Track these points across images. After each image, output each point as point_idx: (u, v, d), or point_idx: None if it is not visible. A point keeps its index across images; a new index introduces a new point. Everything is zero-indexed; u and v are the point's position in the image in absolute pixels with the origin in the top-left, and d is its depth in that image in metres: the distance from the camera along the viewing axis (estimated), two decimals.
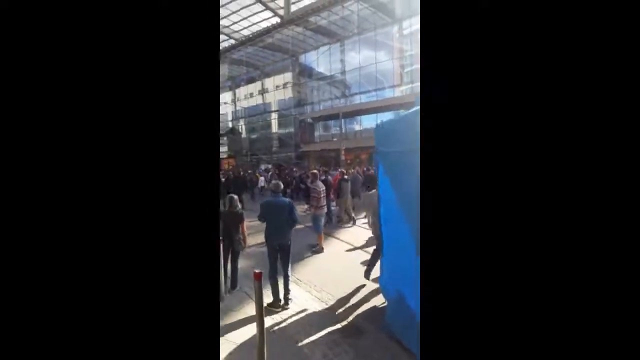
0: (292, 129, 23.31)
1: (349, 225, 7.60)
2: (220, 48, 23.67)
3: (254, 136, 26.73)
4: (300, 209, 8.16)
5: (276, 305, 3.42)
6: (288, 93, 23.71)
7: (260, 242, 4.40)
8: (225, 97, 28.39)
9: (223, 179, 11.27)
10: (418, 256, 1.82)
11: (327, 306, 3.51)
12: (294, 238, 3.60)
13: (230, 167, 22.04)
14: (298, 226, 3.79)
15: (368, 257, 4.30)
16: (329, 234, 6.50)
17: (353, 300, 3.64)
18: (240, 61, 24.52)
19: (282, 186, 3.82)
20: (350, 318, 3.23)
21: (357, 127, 20.13)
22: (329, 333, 2.94)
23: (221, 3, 20.93)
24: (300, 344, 2.77)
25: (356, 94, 19.62)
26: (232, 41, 23.49)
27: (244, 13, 21.07)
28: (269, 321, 3.09)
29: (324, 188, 6.10)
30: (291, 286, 3.60)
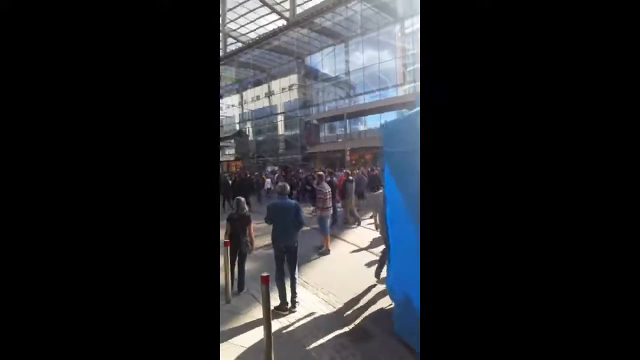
0: (297, 131, 23.37)
1: (355, 226, 7.58)
2: (228, 51, 23.92)
3: (260, 138, 26.85)
4: (306, 210, 8.15)
5: (283, 309, 3.41)
6: (294, 95, 23.80)
7: (267, 244, 4.41)
8: (233, 99, 28.65)
9: (231, 182, 11.35)
10: None
11: (334, 309, 3.49)
12: (300, 240, 3.59)
13: (238, 169, 22.19)
14: (304, 228, 3.77)
15: (374, 258, 4.28)
16: (334, 236, 6.48)
17: (360, 303, 3.61)
18: (247, 64, 24.64)
19: (288, 188, 3.81)
20: (358, 321, 3.21)
21: (361, 128, 20.09)
22: (337, 336, 2.93)
23: (228, 7, 21.17)
24: (307, 348, 2.76)
25: (360, 94, 19.59)
26: (240, 44, 23.66)
27: (251, 16, 21.29)
28: (276, 324, 3.09)
29: (330, 189, 6.10)
30: (298, 289, 3.60)
